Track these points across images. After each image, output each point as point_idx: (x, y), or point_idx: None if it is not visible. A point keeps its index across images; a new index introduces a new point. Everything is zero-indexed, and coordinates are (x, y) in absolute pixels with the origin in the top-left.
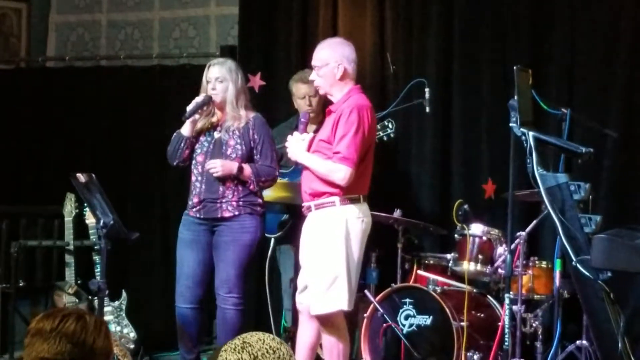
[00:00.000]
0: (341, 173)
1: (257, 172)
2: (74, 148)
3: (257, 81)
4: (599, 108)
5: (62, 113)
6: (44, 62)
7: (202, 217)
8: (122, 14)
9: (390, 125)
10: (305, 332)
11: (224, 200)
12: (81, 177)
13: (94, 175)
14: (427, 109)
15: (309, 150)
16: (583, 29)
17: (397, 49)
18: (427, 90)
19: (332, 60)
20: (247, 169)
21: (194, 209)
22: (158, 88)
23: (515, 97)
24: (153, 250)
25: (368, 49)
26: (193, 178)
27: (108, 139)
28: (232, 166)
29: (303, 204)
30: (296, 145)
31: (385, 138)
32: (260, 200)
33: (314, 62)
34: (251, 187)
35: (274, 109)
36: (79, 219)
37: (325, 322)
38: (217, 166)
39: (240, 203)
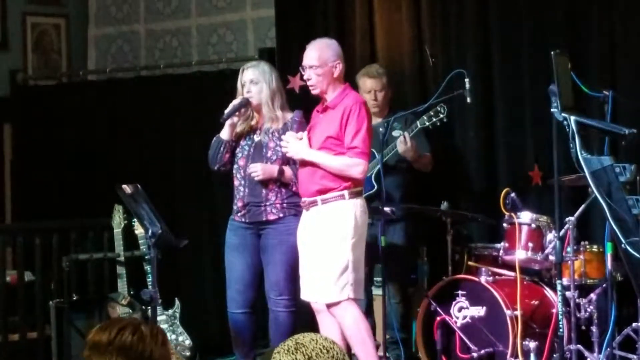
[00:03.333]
0: (360, 167)
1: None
2: (119, 159)
3: (297, 82)
4: None
5: (105, 125)
6: (85, 75)
7: (247, 221)
8: (159, 23)
9: (442, 110)
10: (330, 328)
11: (267, 204)
12: (127, 189)
13: (139, 185)
14: (468, 99)
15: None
16: (622, 8)
17: (435, 41)
18: (467, 80)
19: (330, 60)
20: (288, 170)
21: (239, 214)
22: (199, 94)
23: (555, 82)
24: (203, 256)
25: (406, 42)
26: (236, 182)
27: (152, 148)
28: (273, 170)
29: (303, 200)
30: (297, 144)
31: (438, 123)
32: None
33: (309, 62)
34: (294, 188)
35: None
36: (128, 230)
37: (337, 311)
38: (258, 170)
39: (285, 205)
